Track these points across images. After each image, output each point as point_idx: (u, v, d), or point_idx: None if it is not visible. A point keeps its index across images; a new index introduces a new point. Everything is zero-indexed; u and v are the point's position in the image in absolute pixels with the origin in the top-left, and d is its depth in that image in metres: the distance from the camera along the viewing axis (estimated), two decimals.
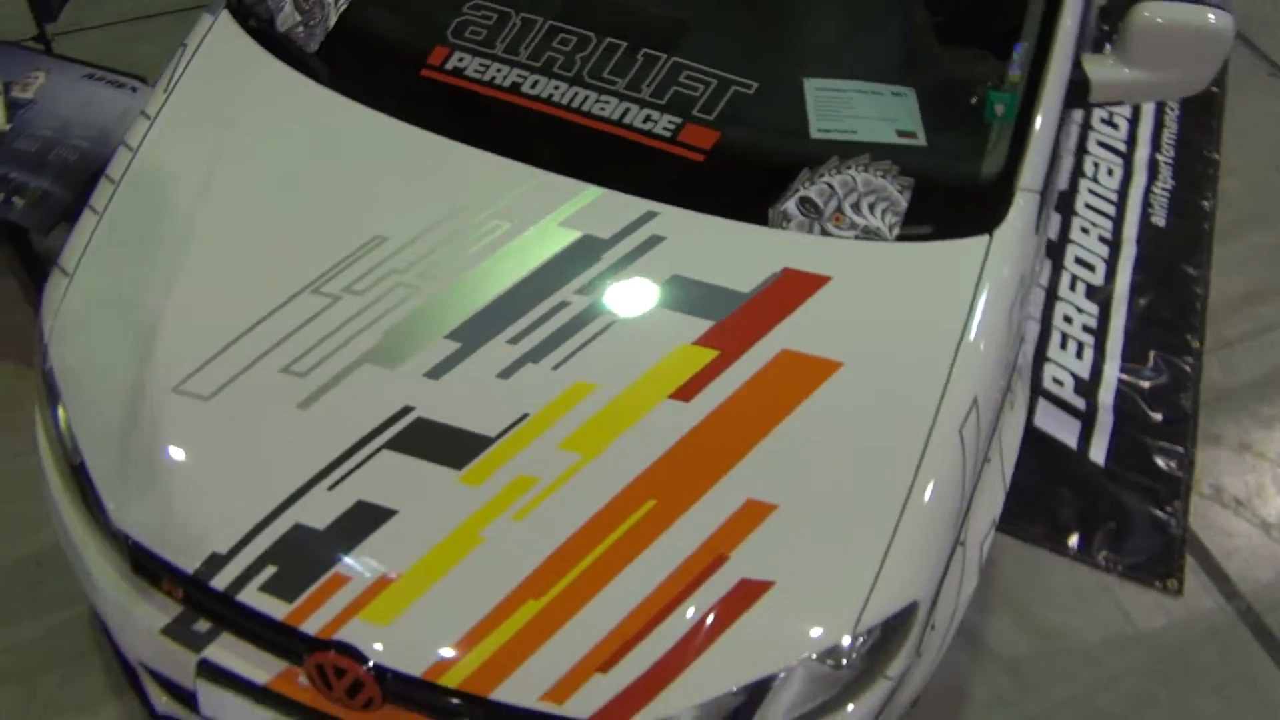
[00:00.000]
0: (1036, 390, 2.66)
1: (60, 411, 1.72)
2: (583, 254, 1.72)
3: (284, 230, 1.78)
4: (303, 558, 1.54)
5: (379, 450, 1.58)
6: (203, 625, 1.62)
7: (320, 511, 1.55)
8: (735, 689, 1.51)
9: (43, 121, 2.48)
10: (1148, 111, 3.36)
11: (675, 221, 1.75)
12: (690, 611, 1.49)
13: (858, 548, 1.54)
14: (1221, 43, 1.85)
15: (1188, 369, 2.74)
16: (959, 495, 1.63)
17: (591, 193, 1.78)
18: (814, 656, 1.53)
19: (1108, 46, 1.95)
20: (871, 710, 1.62)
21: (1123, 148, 3.24)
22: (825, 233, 1.75)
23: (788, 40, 1.97)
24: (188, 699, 1.69)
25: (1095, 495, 2.50)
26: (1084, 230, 3.00)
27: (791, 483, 1.56)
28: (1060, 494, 2.49)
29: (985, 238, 1.74)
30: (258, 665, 1.60)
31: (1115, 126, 3.30)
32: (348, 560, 1.52)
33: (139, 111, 1.94)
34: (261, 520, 1.55)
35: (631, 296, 1.69)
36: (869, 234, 1.75)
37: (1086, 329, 2.80)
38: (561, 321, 1.66)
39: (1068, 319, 2.81)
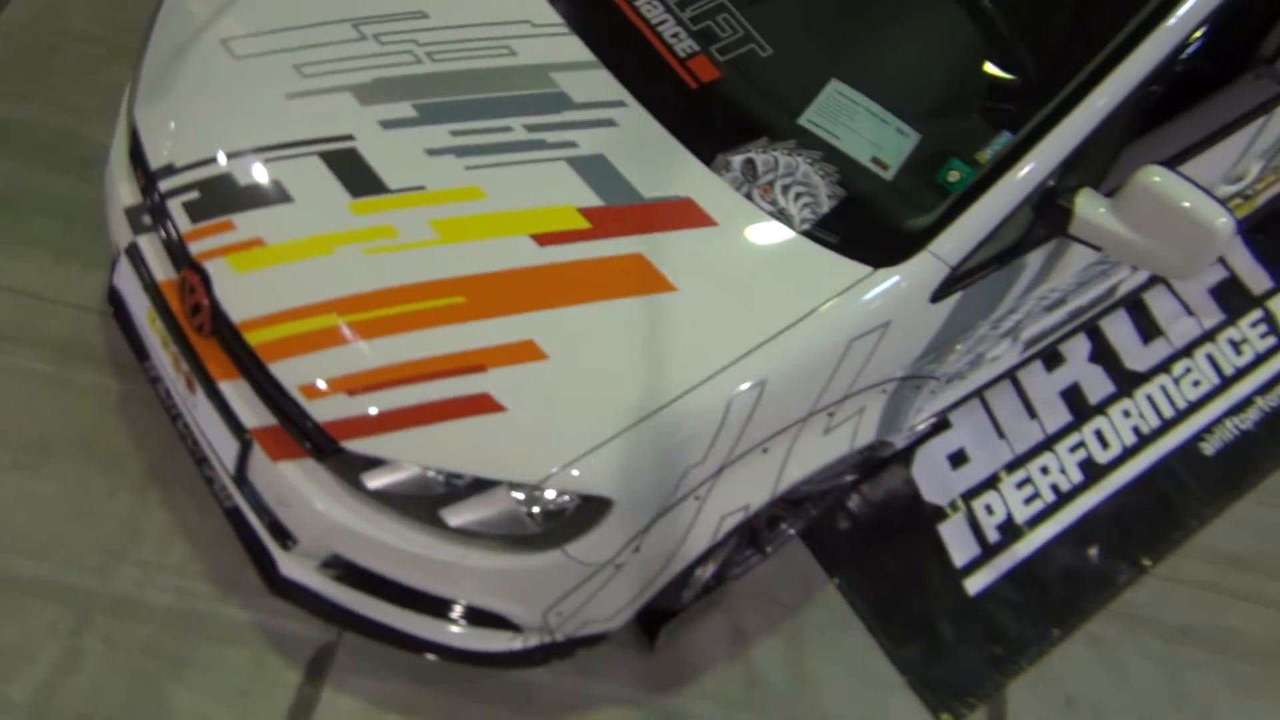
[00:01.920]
0: (967, 503, 2.68)
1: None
2: (550, 102, 1.98)
3: None
4: (217, 197, 1.90)
5: (311, 155, 1.91)
6: (147, 219, 2.03)
7: (246, 171, 1.91)
8: (435, 472, 1.76)
9: None
10: None
11: (636, 118, 1.97)
12: (433, 390, 1.74)
13: (583, 427, 1.73)
14: (1212, 241, 1.79)
15: (1121, 577, 2.66)
16: (702, 451, 1.79)
17: (590, 64, 2.02)
18: (511, 491, 1.75)
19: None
20: (533, 571, 1.83)
21: (1230, 372, 3.10)
22: (749, 196, 1.92)
23: (841, 39, 2.11)
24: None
25: (941, 611, 2.53)
26: (1125, 414, 2.93)
27: (570, 350, 1.77)
28: (910, 591, 2.54)
29: (868, 269, 1.85)
30: (159, 266, 2.00)
31: (1240, 352, 3.15)
32: (242, 215, 1.88)
33: None
34: (209, 157, 1.94)
35: (558, 151, 1.93)
36: (780, 215, 1.90)
37: (1054, 489, 2.76)
38: (497, 140, 1.93)
39: (1044, 470, 2.78)
